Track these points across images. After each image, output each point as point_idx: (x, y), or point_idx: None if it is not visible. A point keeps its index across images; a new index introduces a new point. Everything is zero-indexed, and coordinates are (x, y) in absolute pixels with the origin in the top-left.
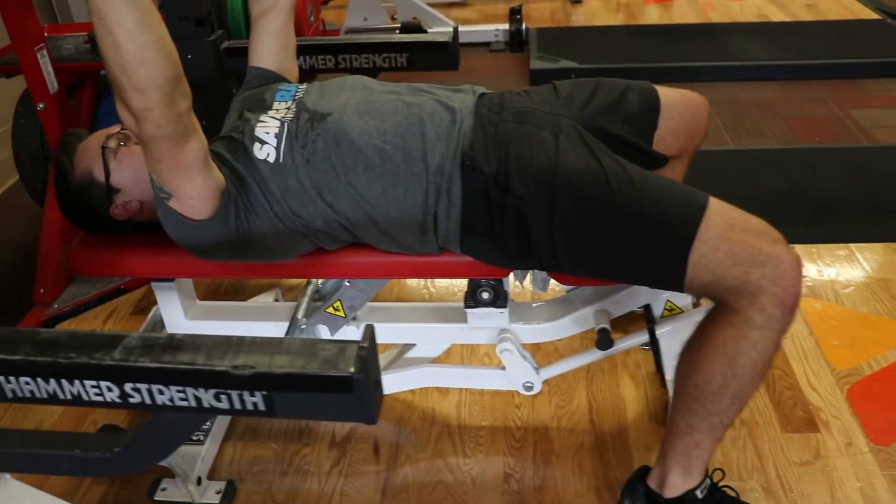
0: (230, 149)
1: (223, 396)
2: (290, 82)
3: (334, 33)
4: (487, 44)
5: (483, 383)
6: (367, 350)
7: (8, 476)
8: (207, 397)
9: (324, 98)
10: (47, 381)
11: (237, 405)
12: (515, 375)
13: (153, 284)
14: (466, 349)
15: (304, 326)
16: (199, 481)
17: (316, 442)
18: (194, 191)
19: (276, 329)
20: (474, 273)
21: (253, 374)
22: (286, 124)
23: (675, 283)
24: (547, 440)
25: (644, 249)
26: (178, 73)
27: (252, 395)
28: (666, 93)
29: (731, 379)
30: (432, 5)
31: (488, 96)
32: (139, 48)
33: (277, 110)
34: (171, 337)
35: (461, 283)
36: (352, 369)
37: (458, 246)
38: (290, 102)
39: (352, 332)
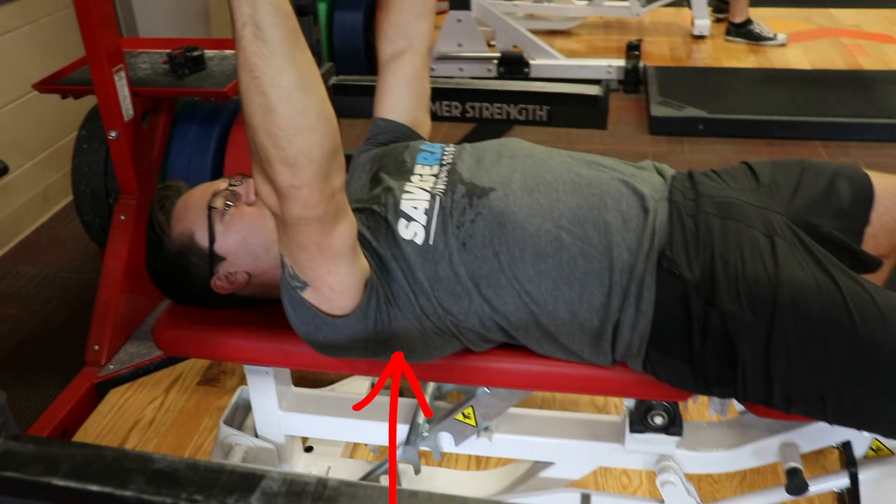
0: (370, 225)
1: None
2: (424, 139)
3: None
4: (597, 81)
5: None
6: None
7: None
8: None
9: (482, 168)
10: None
11: None
12: None
13: (246, 367)
14: (600, 469)
15: (426, 434)
16: None
17: None
18: (337, 282)
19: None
20: (646, 393)
21: None
22: (438, 198)
23: None
24: None
25: (894, 392)
26: (336, 143)
27: None
28: (880, 180)
29: None
30: (534, 32)
31: (679, 178)
32: (296, 114)
33: (422, 176)
34: (323, 483)
35: None
36: None
37: (640, 363)
38: (436, 168)
39: (482, 445)
